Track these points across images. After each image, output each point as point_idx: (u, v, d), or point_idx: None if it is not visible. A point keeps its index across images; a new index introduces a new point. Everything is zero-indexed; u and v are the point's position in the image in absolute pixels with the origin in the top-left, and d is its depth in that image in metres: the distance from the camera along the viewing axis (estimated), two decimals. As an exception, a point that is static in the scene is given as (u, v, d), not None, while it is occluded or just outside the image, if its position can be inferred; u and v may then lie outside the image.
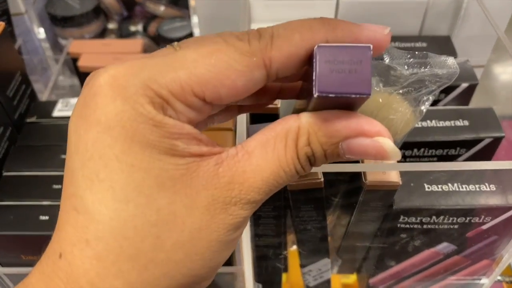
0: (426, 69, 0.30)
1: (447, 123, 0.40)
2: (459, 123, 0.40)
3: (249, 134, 0.36)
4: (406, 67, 0.29)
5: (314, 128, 0.19)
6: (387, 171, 0.30)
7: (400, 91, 0.31)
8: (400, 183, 0.31)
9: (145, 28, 0.72)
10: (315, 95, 0.18)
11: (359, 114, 0.19)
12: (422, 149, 0.40)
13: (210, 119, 0.24)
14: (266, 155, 0.19)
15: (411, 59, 0.29)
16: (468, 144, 0.40)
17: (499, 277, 0.51)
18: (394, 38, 0.48)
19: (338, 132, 0.19)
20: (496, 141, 0.40)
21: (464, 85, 0.44)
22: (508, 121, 0.44)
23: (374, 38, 0.19)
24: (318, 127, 0.19)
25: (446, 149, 0.40)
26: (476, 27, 0.49)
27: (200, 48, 0.18)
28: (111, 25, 0.76)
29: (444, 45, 0.49)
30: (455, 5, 0.48)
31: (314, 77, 0.18)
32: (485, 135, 0.39)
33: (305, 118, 0.19)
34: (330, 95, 0.18)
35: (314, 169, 0.32)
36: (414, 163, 0.29)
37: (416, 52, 0.30)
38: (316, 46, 0.18)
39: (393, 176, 0.31)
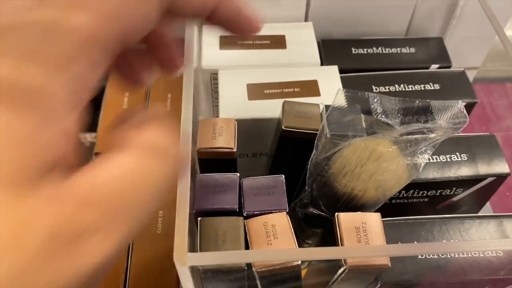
0: (427, 123, 0.22)
1: (442, 158, 0.33)
2: (456, 157, 0.33)
3: (196, 184, 0.28)
4: (398, 120, 0.21)
5: None
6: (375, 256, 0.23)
7: (394, 147, 0.23)
8: (390, 265, 0.24)
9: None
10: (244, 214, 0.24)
11: None
12: (411, 191, 0.33)
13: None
14: None
15: (406, 111, 0.22)
16: (466, 184, 0.33)
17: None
18: (378, 42, 0.40)
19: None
20: (500, 179, 0.33)
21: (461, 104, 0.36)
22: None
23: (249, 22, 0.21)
24: None
25: (439, 190, 0.33)
26: (473, 27, 0.42)
27: None
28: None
29: (435, 48, 0.41)
30: (449, 3, 0.40)
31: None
32: (487, 173, 0.32)
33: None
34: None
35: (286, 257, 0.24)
36: (408, 245, 0.21)
37: (416, 102, 0.22)
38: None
39: (381, 258, 0.24)
